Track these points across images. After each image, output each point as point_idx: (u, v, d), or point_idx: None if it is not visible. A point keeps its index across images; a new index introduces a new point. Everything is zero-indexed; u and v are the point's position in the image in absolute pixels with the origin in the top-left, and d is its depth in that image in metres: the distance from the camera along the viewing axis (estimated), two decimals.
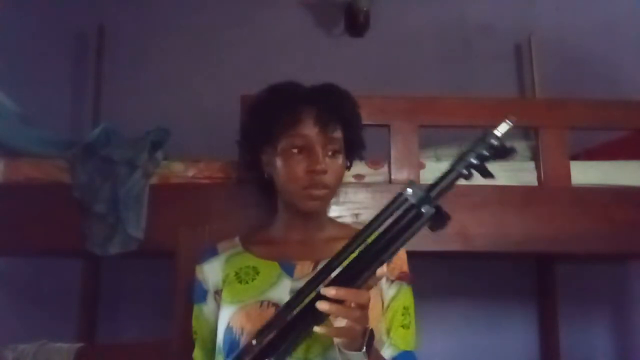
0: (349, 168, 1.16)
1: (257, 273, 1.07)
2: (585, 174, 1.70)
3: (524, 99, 2.57)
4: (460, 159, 0.75)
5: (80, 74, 2.54)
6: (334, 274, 0.77)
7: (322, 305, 0.76)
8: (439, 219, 0.74)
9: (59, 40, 2.54)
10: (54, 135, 1.90)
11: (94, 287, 2.31)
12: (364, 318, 0.81)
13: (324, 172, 1.02)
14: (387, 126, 1.66)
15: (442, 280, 2.22)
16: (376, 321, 1.00)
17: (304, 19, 2.66)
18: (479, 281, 2.35)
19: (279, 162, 1.06)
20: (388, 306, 1.04)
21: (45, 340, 1.61)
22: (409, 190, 0.75)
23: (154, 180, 1.66)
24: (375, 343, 0.89)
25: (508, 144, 0.72)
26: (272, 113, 1.07)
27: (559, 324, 2.31)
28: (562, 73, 2.51)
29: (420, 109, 1.71)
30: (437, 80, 2.53)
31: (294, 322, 0.78)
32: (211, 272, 1.10)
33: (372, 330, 0.85)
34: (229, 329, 1.00)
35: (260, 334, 0.78)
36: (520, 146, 1.86)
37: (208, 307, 1.09)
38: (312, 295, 0.78)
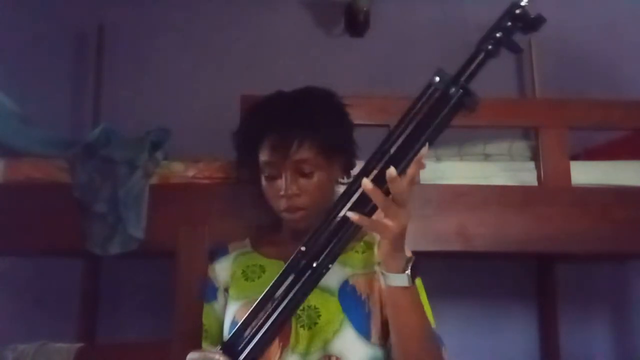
0: (352, 167, 1.17)
1: (264, 271, 1.10)
2: (585, 174, 1.70)
3: (524, 99, 2.56)
4: (487, 36, 0.72)
5: (80, 74, 2.54)
6: (374, 172, 0.75)
7: (366, 185, 0.72)
8: (470, 100, 0.71)
9: (59, 40, 2.54)
10: (54, 135, 1.90)
11: (94, 287, 2.31)
12: (401, 216, 0.76)
13: (296, 195, 1.03)
14: (387, 126, 1.66)
15: (442, 280, 2.22)
16: (380, 316, 1.02)
17: (304, 19, 2.66)
18: (479, 281, 2.35)
19: (262, 182, 1.09)
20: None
21: (45, 340, 1.61)
22: (437, 78, 0.72)
23: (154, 180, 1.66)
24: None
25: (534, 13, 0.68)
26: (246, 144, 1.11)
27: (559, 324, 2.31)
28: (562, 73, 2.51)
29: None
30: None
31: (339, 224, 0.76)
32: (221, 270, 1.14)
33: (416, 259, 0.85)
34: (234, 323, 1.03)
35: (308, 240, 0.76)
36: (520, 146, 1.87)
37: (219, 304, 1.12)
38: (356, 195, 0.75)
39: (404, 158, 0.74)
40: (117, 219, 1.59)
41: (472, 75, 0.72)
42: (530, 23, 0.69)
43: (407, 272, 0.83)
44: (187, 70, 2.54)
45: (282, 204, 1.05)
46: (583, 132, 1.92)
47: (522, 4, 0.70)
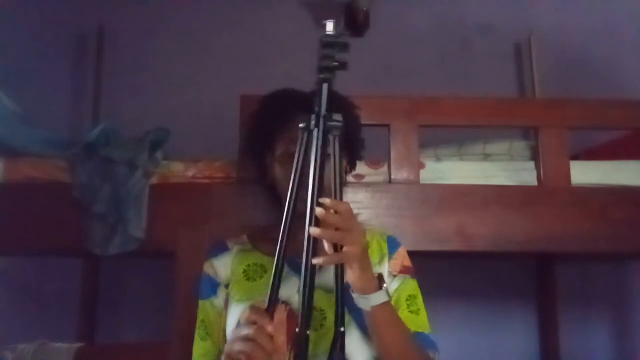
0: (353, 169, 1.18)
1: (265, 271, 1.09)
2: (585, 174, 1.70)
3: (524, 99, 2.56)
4: (319, 70, 0.84)
5: (80, 74, 2.54)
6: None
7: (315, 232, 0.81)
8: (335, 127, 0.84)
9: (59, 40, 2.54)
10: (54, 135, 1.90)
11: (94, 287, 2.31)
12: (354, 238, 0.82)
13: None
14: (387, 126, 1.66)
15: (442, 280, 2.22)
16: None
17: (304, 19, 2.66)
18: (479, 281, 2.35)
19: (277, 168, 1.10)
20: (391, 297, 1.04)
21: (45, 340, 1.61)
22: (306, 124, 0.85)
23: (154, 180, 1.66)
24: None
25: (342, 38, 0.82)
26: (267, 122, 1.12)
27: (559, 324, 2.31)
28: (562, 73, 2.51)
29: (420, 109, 1.71)
30: (437, 80, 2.52)
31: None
32: (222, 266, 1.12)
33: (381, 274, 0.91)
34: (239, 325, 1.01)
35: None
36: (520, 146, 1.87)
37: (219, 299, 1.10)
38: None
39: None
40: (117, 219, 1.59)
41: (328, 106, 0.84)
42: (341, 44, 0.82)
43: (384, 286, 0.89)
44: (187, 70, 2.54)
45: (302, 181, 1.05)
46: (583, 132, 1.92)
47: (329, 34, 0.82)
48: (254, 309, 0.84)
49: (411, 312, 1.04)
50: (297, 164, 0.85)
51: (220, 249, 1.15)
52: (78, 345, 1.61)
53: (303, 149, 0.85)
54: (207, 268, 1.13)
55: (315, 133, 0.83)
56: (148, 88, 2.49)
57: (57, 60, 2.53)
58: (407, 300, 1.05)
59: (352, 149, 1.13)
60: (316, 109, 0.84)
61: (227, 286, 1.10)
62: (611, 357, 2.38)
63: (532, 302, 2.41)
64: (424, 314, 1.06)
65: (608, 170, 1.73)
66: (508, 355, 2.35)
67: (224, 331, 1.07)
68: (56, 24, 2.54)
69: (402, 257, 1.10)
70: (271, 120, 1.12)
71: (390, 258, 1.09)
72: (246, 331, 0.81)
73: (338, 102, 1.10)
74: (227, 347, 0.85)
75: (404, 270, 1.08)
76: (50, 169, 1.68)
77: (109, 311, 2.31)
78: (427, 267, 1.13)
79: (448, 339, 2.31)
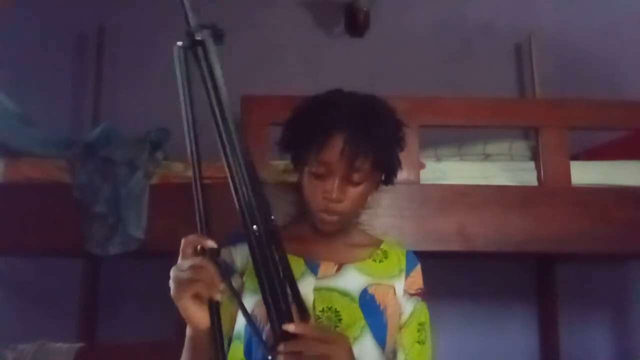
0: (379, 185, 1.14)
1: None
2: (585, 174, 1.70)
3: (524, 99, 2.57)
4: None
5: (80, 74, 2.55)
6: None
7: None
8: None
9: (59, 40, 2.55)
10: (54, 135, 1.90)
11: (94, 287, 2.31)
12: (336, 347, 0.82)
13: (339, 201, 1.02)
14: None
15: (442, 280, 2.22)
16: (394, 329, 1.03)
17: (304, 19, 2.66)
18: (479, 281, 2.35)
19: (304, 179, 1.06)
20: (405, 322, 1.05)
21: (45, 340, 1.61)
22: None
23: (154, 180, 1.66)
24: None
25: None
26: (303, 133, 1.05)
27: (559, 324, 2.31)
28: (562, 73, 2.52)
29: (420, 109, 1.71)
30: (437, 80, 2.53)
31: None
32: (239, 255, 1.10)
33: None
34: (252, 316, 1.01)
35: None
36: (520, 146, 1.87)
37: (235, 283, 1.08)
38: None
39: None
40: (117, 219, 1.59)
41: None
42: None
43: None
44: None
45: (322, 204, 1.02)
46: (583, 132, 1.92)
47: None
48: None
49: (419, 342, 1.05)
50: (183, 88, 0.86)
51: (238, 238, 1.12)
52: (78, 345, 1.61)
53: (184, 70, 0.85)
54: (225, 254, 1.11)
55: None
56: (148, 88, 2.48)
57: (58, 60, 2.53)
58: (418, 330, 1.06)
59: (386, 166, 1.08)
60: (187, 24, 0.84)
61: (241, 275, 1.09)
62: (611, 357, 2.38)
63: (532, 302, 2.41)
64: (429, 343, 1.07)
65: (608, 170, 1.73)
66: (508, 355, 2.35)
67: (233, 319, 1.07)
68: (56, 23, 2.54)
69: (418, 276, 1.10)
70: (303, 134, 1.05)
71: (407, 275, 1.09)
72: (191, 262, 0.85)
73: (382, 114, 1.07)
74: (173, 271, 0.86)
75: (420, 292, 1.09)
76: (50, 169, 1.68)
77: (109, 311, 2.31)
78: (427, 267, 1.13)
79: (448, 339, 2.33)
